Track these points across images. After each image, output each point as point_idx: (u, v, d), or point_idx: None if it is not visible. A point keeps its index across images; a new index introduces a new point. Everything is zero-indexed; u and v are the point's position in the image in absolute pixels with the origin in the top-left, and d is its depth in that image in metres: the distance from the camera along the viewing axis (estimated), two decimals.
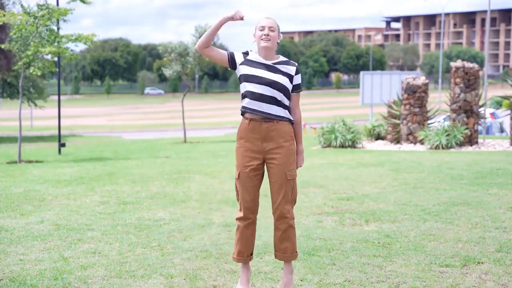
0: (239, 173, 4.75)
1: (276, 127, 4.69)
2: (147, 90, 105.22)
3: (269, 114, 4.67)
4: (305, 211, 8.02)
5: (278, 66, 4.72)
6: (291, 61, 4.82)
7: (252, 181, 4.75)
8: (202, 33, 24.43)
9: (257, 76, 4.67)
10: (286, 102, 4.72)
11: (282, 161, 4.70)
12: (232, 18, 4.69)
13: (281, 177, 4.72)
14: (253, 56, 4.76)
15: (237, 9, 4.72)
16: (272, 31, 4.70)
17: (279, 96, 4.67)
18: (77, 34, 16.78)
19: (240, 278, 4.90)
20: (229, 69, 4.83)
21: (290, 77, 4.72)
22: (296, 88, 4.77)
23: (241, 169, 4.74)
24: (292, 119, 4.77)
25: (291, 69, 4.75)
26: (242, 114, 4.79)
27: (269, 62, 4.72)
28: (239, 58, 4.77)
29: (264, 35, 4.68)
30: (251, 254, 4.91)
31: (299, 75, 4.79)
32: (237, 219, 4.85)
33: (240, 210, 4.82)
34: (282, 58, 4.79)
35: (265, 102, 4.65)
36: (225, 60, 4.76)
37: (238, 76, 4.78)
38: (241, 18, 4.68)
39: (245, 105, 4.71)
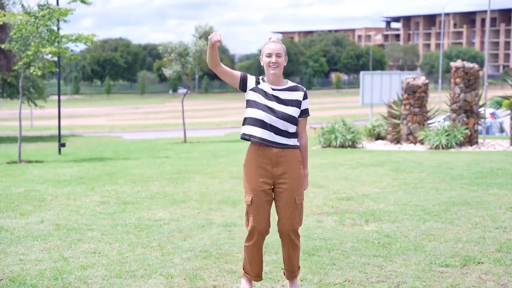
0: (252, 198, 4.69)
1: (285, 152, 4.68)
2: (180, 90, 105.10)
3: (273, 142, 4.65)
4: (305, 211, 8.01)
5: (287, 94, 4.71)
6: (299, 85, 4.81)
7: (265, 205, 4.71)
8: (202, 33, 24.44)
9: (266, 106, 4.65)
10: (291, 129, 4.70)
11: (291, 185, 4.70)
12: (213, 45, 4.59)
13: (290, 202, 4.70)
14: (264, 86, 4.73)
15: (212, 33, 4.60)
16: (279, 56, 4.70)
17: (283, 125, 4.66)
18: (77, 34, 16.77)
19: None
20: (238, 89, 4.80)
21: (298, 104, 4.72)
22: (304, 113, 4.76)
23: (254, 194, 4.69)
24: (298, 144, 4.75)
25: (299, 95, 4.74)
26: (242, 138, 4.76)
27: (277, 91, 4.69)
28: (251, 83, 4.75)
29: (272, 62, 4.69)
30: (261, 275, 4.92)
31: (307, 100, 4.79)
32: (249, 244, 4.76)
33: (252, 235, 4.72)
34: (290, 84, 4.77)
35: (270, 131, 4.64)
36: (237, 80, 4.74)
37: (246, 98, 4.75)
38: (218, 41, 4.56)
39: (246, 132, 4.68)
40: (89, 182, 10.93)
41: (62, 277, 5.24)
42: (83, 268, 5.51)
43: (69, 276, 5.27)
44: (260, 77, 4.81)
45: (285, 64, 4.76)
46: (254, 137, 4.65)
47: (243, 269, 4.88)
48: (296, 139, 4.74)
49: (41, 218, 7.67)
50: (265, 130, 4.63)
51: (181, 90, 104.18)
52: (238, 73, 4.76)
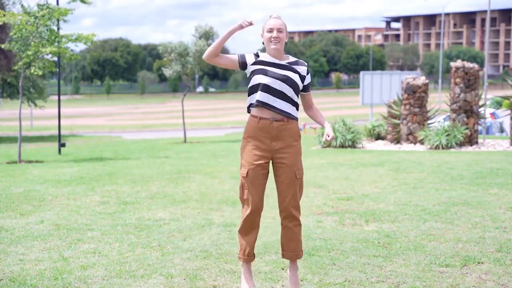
0: (248, 171, 4.71)
1: (286, 126, 4.70)
2: (211, 89, 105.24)
3: (276, 108, 4.67)
4: (305, 211, 8.02)
5: (290, 66, 4.75)
6: (301, 60, 4.84)
7: (260, 179, 4.74)
8: (202, 33, 24.44)
9: (269, 71, 4.69)
10: (295, 98, 4.74)
11: (291, 160, 4.72)
12: (241, 27, 4.69)
13: (290, 177, 4.73)
14: (264, 56, 4.78)
15: (243, 18, 4.71)
16: (281, 32, 4.72)
17: (289, 91, 4.68)
18: (77, 34, 16.77)
19: (245, 276, 4.87)
20: (239, 69, 4.84)
21: (302, 77, 4.76)
22: (307, 87, 4.83)
23: (249, 167, 4.71)
24: (297, 117, 4.78)
25: (302, 69, 4.78)
26: (249, 111, 4.79)
27: (280, 62, 4.75)
28: (250, 59, 4.77)
29: (273, 37, 4.71)
30: (253, 254, 4.91)
31: (309, 75, 4.84)
32: (245, 217, 4.76)
33: (248, 207, 4.73)
34: (292, 58, 4.81)
35: (274, 96, 4.66)
36: (236, 62, 4.77)
37: (249, 74, 4.76)
38: (250, 23, 4.69)
39: (254, 98, 4.70)
40: (89, 182, 10.93)
41: (62, 277, 5.24)
42: (83, 268, 5.51)
43: (69, 276, 5.27)
44: (259, 50, 4.84)
45: (286, 41, 4.77)
46: (258, 101, 4.67)
47: (240, 255, 4.86)
48: (297, 111, 4.77)
49: (41, 218, 7.67)
50: (269, 95, 4.66)
51: (211, 89, 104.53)
52: (235, 56, 4.81)
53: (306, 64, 4.84)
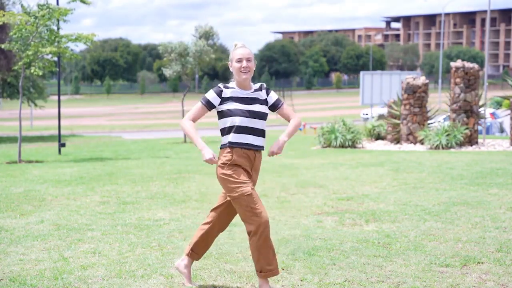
0: (251, 188, 4.74)
1: (260, 157, 4.90)
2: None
3: (258, 146, 4.81)
4: (305, 211, 8.02)
5: (256, 95, 4.86)
6: (261, 83, 4.96)
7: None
8: (202, 33, 24.46)
9: (244, 110, 4.76)
10: (265, 127, 4.89)
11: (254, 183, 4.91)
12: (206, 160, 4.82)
13: None
14: (230, 92, 4.81)
15: (210, 157, 4.78)
16: (249, 61, 4.81)
17: (263, 125, 4.85)
18: (77, 34, 16.77)
19: None
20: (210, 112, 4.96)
21: (264, 101, 4.89)
22: (277, 103, 4.94)
23: (250, 184, 4.75)
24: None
25: (263, 94, 4.89)
26: (225, 147, 4.82)
27: (249, 94, 4.83)
28: (215, 99, 4.81)
29: (243, 67, 4.78)
30: None
31: (271, 92, 4.94)
32: (266, 230, 4.69)
33: (262, 218, 4.67)
34: (255, 86, 4.92)
35: (252, 134, 4.78)
36: (206, 111, 4.88)
37: (218, 111, 4.83)
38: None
39: (232, 140, 4.77)
40: (89, 182, 10.93)
41: (62, 277, 5.24)
42: (83, 268, 5.51)
43: (69, 276, 5.27)
44: (221, 85, 4.87)
45: (254, 69, 4.86)
46: (238, 143, 4.76)
47: (274, 271, 4.77)
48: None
49: (41, 218, 7.67)
50: (249, 135, 4.78)
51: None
52: (199, 106, 4.86)
53: (264, 85, 4.93)
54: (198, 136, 4.82)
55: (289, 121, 5.02)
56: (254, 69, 4.86)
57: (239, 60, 4.78)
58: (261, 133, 4.82)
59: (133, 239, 6.60)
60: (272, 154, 4.91)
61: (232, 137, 4.77)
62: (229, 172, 4.76)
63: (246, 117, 4.74)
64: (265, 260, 4.74)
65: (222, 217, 5.00)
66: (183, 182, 10.86)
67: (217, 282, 5.13)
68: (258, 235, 4.69)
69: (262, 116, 4.80)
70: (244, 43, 4.90)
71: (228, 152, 4.80)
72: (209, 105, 4.84)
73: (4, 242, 6.48)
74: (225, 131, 4.80)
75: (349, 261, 5.64)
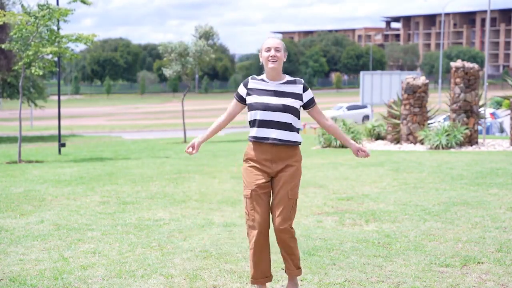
0: (251, 192, 4.69)
1: (286, 149, 4.72)
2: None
3: (278, 140, 4.68)
4: (305, 211, 8.02)
5: (285, 87, 4.75)
6: (298, 79, 4.84)
7: (262, 198, 4.72)
8: (202, 33, 24.47)
9: (264, 103, 4.69)
10: (296, 124, 4.75)
11: (286, 179, 4.71)
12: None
13: (282, 196, 4.70)
14: (256, 83, 4.77)
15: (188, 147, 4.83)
16: (278, 51, 4.74)
17: (288, 119, 4.69)
18: (77, 34, 16.78)
19: None
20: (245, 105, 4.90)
21: (298, 96, 4.75)
22: (310, 103, 4.80)
23: (252, 187, 4.70)
24: (298, 140, 4.76)
25: (298, 88, 4.77)
26: (248, 141, 4.85)
27: (276, 86, 4.74)
28: (243, 92, 4.81)
29: (271, 56, 4.72)
30: (270, 274, 4.87)
31: (308, 90, 4.81)
32: (253, 240, 4.69)
33: (254, 228, 4.69)
34: (288, 78, 4.80)
35: (274, 128, 4.68)
36: (240, 106, 4.86)
37: (247, 104, 4.81)
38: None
39: (254, 135, 4.73)
40: (89, 182, 10.93)
41: (62, 277, 5.24)
42: (83, 268, 5.51)
43: (69, 276, 5.27)
44: (249, 77, 4.84)
45: (284, 60, 4.78)
46: (256, 137, 4.71)
47: (252, 279, 4.80)
48: (297, 134, 4.75)
49: (41, 218, 7.67)
50: (270, 129, 4.68)
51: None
52: (234, 102, 4.86)
53: (302, 81, 4.82)
54: (208, 131, 4.91)
55: (319, 122, 4.91)
56: (284, 60, 4.79)
57: (268, 49, 4.74)
58: (286, 126, 4.69)
59: (133, 239, 6.60)
60: (366, 156, 4.84)
61: (253, 131, 4.74)
62: (244, 168, 4.79)
63: (268, 110, 4.67)
64: (253, 268, 4.79)
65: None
66: (183, 182, 10.86)
67: (217, 282, 5.13)
68: (249, 242, 4.73)
69: (288, 109, 4.68)
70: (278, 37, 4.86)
71: (249, 146, 4.78)
72: (240, 98, 4.83)
73: (4, 242, 6.48)
74: (250, 125, 4.79)
75: (349, 261, 5.64)
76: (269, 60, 4.72)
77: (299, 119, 4.78)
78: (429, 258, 5.74)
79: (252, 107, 4.72)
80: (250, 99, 4.74)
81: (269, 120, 4.68)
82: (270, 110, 4.67)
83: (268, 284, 5.08)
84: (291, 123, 4.71)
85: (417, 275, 5.25)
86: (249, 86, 4.77)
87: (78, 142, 28.17)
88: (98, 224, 7.31)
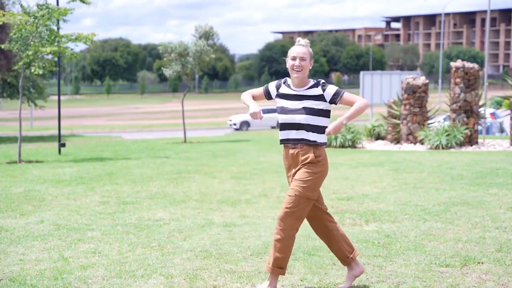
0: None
1: (300, 152, 4.81)
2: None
3: (297, 139, 4.80)
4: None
5: (307, 92, 4.83)
6: (318, 80, 4.91)
7: None
8: (202, 33, 24.45)
9: (286, 108, 4.84)
10: (319, 122, 4.80)
11: (297, 176, 4.79)
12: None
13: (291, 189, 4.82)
14: (285, 89, 4.91)
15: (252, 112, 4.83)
16: (303, 60, 4.82)
17: (307, 120, 4.77)
18: (77, 34, 16.77)
19: None
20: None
21: (320, 97, 4.81)
22: (336, 95, 4.84)
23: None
24: (319, 141, 4.80)
25: (318, 90, 4.83)
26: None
27: (299, 91, 4.84)
28: (273, 91, 4.98)
29: (296, 66, 4.80)
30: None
31: (328, 87, 4.85)
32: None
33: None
34: (311, 82, 4.88)
35: (294, 129, 4.80)
36: (263, 96, 5.04)
37: (276, 106, 5.00)
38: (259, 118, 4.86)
39: (280, 137, 4.93)
40: (89, 182, 10.93)
41: (62, 277, 5.24)
42: (83, 268, 5.51)
43: (69, 276, 5.27)
44: (283, 80, 4.97)
45: (310, 68, 4.87)
46: (281, 140, 4.90)
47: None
48: (320, 135, 4.80)
49: (41, 218, 7.67)
50: (288, 131, 4.84)
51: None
52: (261, 90, 5.02)
53: (320, 82, 4.87)
54: (251, 99, 4.96)
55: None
56: (310, 68, 4.86)
57: (293, 58, 4.82)
58: (308, 127, 4.76)
59: (133, 239, 6.60)
60: (327, 134, 4.82)
61: (279, 134, 4.93)
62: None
63: (289, 114, 4.80)
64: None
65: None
66: (183, 182, 10.86)
67: (217, 282, 5.13)
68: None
69: (309, 111, 4.76)
70: (307, 41, 4.88)
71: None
72: (267, 95, 5.02)
73: (4, 242, 6.48)
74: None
75: None
76: (293, 69, 4.82)
77: (323, 116, 4.82)
78: (429, 258, 5.74)
79: (278, 111, 4.93)
80: (277, 103, 4.95)
81: (291, 123, 4.85)
82: (293, 114, 4.82)
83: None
84: (311, 124, 4.79)
85: (417, 275, 5.25)
86: (279, 91, 4.95)
87: (78, 142, 28.16)
88: (98, 224, 7.31)
